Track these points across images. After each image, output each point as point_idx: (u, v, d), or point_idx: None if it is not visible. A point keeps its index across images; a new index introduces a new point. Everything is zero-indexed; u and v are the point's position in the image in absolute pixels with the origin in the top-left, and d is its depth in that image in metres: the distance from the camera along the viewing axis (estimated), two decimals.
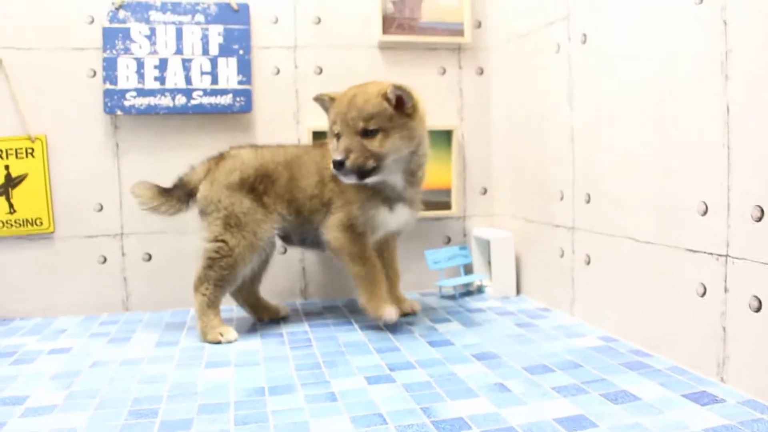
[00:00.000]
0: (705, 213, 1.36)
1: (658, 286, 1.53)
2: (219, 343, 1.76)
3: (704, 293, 1.38)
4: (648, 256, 1.55)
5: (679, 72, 1.43)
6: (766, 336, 1.23)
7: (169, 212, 1.89)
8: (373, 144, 1.71)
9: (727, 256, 1.31)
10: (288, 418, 1.24)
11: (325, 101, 1.85)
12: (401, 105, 1.72)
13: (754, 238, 1.25)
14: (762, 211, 1.22)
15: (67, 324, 2.00)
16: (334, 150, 1.73)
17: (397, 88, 1.69)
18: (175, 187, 1.90)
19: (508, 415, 1.22)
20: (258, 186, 1.84)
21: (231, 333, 1.78)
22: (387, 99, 1.71)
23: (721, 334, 1.34)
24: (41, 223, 2.08)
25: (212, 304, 1.80)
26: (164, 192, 1.90)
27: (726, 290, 1.32)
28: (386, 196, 1.82)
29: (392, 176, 1.79)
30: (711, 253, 1.35)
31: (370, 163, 1.71)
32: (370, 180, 1.74)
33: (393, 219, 1.85)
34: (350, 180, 1.72)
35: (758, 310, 1.24)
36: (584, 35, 1.77)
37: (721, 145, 1.31)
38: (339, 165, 1.68)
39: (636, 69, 1.57)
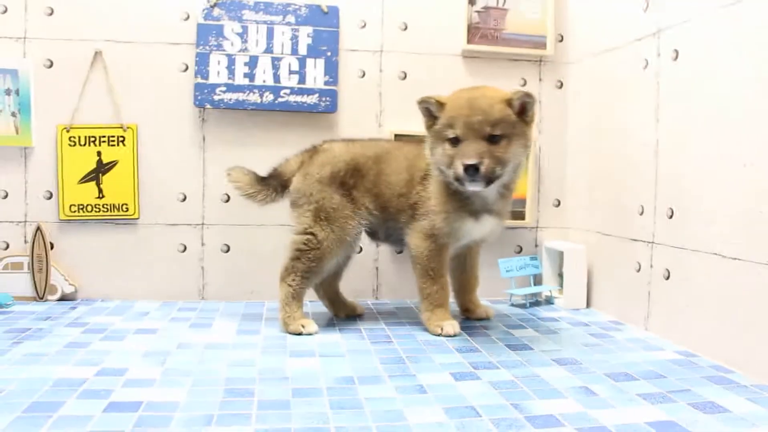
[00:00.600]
0: None
1: (742, 303, 1.53)
2: (300, 334, 1.80)
3: None
4: (734, 272, 1.56)
5: None
6: None
7: (265, 201, 1.95)
8: (500, 150, 1.67)
9: None
10: (381, 405, 1.27)
11: (431, 104, 1.75)
12: (523, 112, 1.70)
13: None
14: None
15: (147, 307, 2.07)
16: (459, 154, 1.66)
17: (526, 94, 1.68)
18: (270, 176, 1.96)
19: (599, 416, 1.24)
20: (348, 180, 1.88)
21: (312, 325, 1.82)
22: (511, 105, 1.69)
23: None
24: (127, 209, 2.15)
25: (297, 296, 1.85)
26: (261, 180, 1.95)
27: None
28: (474, 208, 1.79)
29: (491, 187, 1.73)
30: None
31: (498, 170, 1.67)
32: (492, 187, 1.72)
33: (478, 229, 1.83)
34: (477, 187, 1.68)
35: None
36: (675, 51, 1.79)
37: None
38: (473, 170, 1.63)
39: (729, 85, 1.58)
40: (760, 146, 1.48)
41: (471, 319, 2.00)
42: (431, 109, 1.75)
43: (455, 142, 1.69)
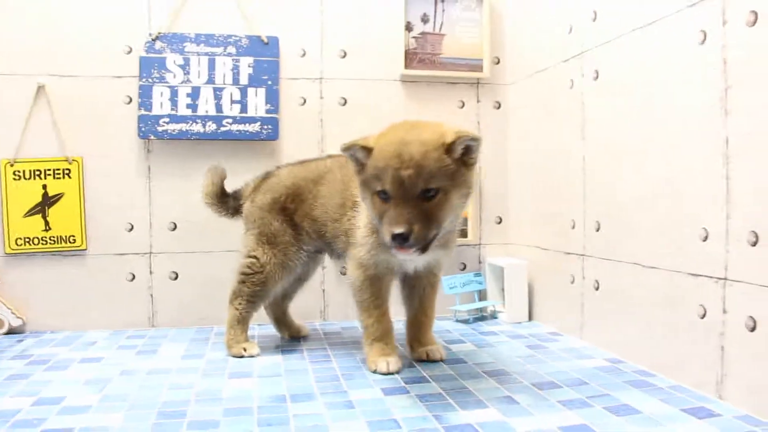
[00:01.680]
0: (706, 239, 1.44)
1: (662, 310, 1.60)
2: (242, 357, 1.84)
3: (704, 315, 1.45)
4: (653, 280, 1.63)
5: (682, 107, 1.51)
6: (760, 354, 1.30)
7: (220, 214, 2.02)
8: (434, 208, 1.41)
9: (725, 279, 1.39)
10: (308, 421, 1.31)
11: (356, 151, 1.50)
12: (465, 155, 1.45)
13: (749, 262, 1.32)
14: (757, 236, 1.30)
15: (96, 337, 2.10)
16: (387, 218, 1.41)
17: (471, 138, 1.42)
18: (231, 196, 2.01)
19: (516, 423, 1.29)
20: (289, 205, 1.89)
21: (254, 348, 1.86)
22: (451, 151, 1.42)
23: (719, 354, 1.41)
24: (74, 241, 2.18)
25: (242, 320, 1.89)
26: (222, 196, 2.01)
27: (724, 311, 1.39)
28: None
29: None
30: (711, 277, 1.43)
31: (434, 232, 1.42)
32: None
33: (410, 261, 1.67)
34: (407, 256, 1.45)
35: (753, 329, 1.31)
36: (596, 71, 1.87)
37: (721, 175, 1.39)
38: (402, 239, 1.36)
39: (644, 103, 1.66)
40: (671, 162, 1.56)
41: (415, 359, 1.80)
42: (359, 156, 1.51)
43: (384, 196, 1.44)
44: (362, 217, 1.69)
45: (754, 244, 1.31)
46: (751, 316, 1.32)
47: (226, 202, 2.01)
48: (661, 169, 1.59)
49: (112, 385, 1.58)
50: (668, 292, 1.57)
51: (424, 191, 1.39)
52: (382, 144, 1.45)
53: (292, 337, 2.07)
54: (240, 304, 1.89)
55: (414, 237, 1.37)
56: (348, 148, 1.50)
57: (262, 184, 1.96)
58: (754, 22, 1.30)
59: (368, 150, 1.47)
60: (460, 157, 1.43)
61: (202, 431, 1.27)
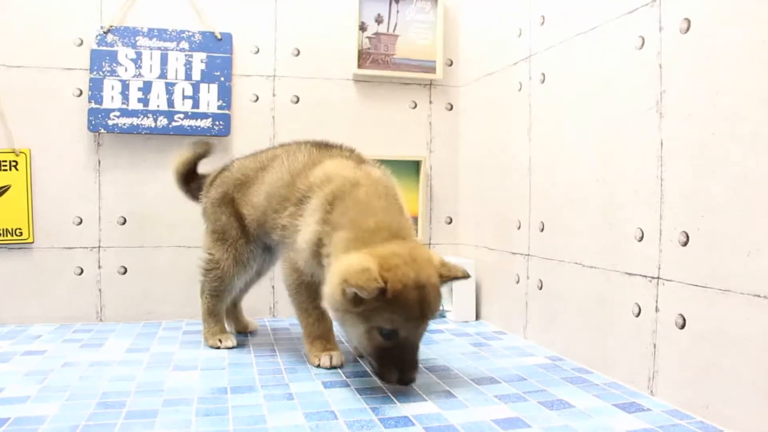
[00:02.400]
0: (641, 239, 1.48)
1: (599, 308, 1.64)
2: (218, 347, 1.86)
3: (639, 313, 1.49)
4: (592, 280, 1.67)
5: (621, 109, 1.56)
6: (688, 351, 1.34)
7: (185, 197, 2.05)
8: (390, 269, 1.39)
9: (658, 278, 1.43)
10: (246, 412, 1.33)
11: (369, 292, 1.33)
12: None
13: (680, 261, 1.37)
14: (687, 236, 1.34)
15: (41, 331, 2.08)
16: (397, 358, 1.40)
17: (460, 277, 1.51)
18: (195, 183, 2.02)
19: (450, 416, 1.31)
20: (236, 196, 1.87)
21: (230, 340, 1.88)
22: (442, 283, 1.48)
23: (651, 351, 1.45)
24: (21, 234, 2.16)
25: (213, 312, 1.90)
26: (189, 177, 2.02)
27: (657, 310, 1.43)
28: None
29: None
30: (645, 276, 1.47)
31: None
32: None
33: None
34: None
35: (682, 327, 1.35)
36: (543, 74, 1.91)
37: (656, 177, 1.43)
38: (410, 382, 1.43)
39: (586, 106, 1.70)
40: (609, 163, 1.60)
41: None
42: (374, 295, 1.33)
43: (390, 335, 1.40)
44: (308, 220, 1.60)
45: (685, 244, 1.35)
46: (680, 314, 1.36)
47: (190, 185, 2.02)
48: (601, 170, 1.63)
49: (53, 376, 1.57)
50: (606, 291, 1.61)
51: None
52: (399, 284, 1.36)
53: (239, 332, 2.08)
54: (207, 297, 1.90)
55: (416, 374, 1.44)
56: (359, 289, 1.33)
57: (216, 179, 1.95)
58: (687, 29, 1.35)
59: (382, 291, 1.34)
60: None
61: (139, 420, 1.27)
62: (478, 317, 2.32)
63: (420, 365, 1.44)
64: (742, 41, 1.23)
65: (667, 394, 1.40)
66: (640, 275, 1.49)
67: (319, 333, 1.71)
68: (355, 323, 1.42)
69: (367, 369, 1.65)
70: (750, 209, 1.20)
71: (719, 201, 1.27)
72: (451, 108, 2.48)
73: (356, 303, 1.37)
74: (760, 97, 1.18)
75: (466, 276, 1.50)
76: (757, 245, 1.18)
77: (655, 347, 1.44)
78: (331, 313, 1.50)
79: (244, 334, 2.07)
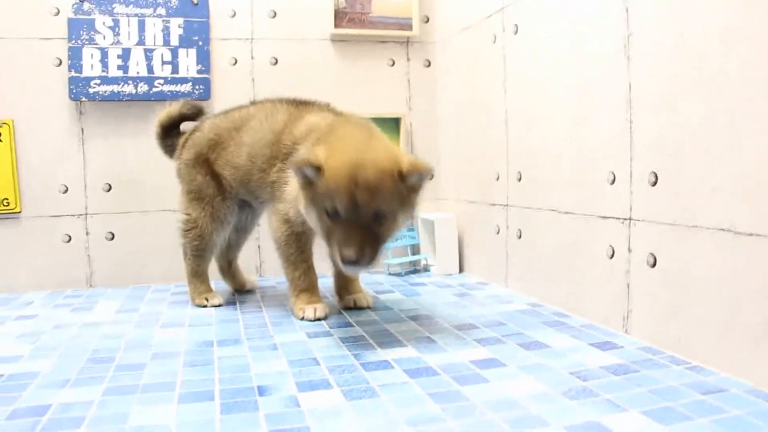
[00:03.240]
0: (613, 182, 1.52)
1: (575, 253, 1.68)
2: (205, 306, 1.91)
3: (612, 255, 1.53)
4: (568, 225, 1.71)
5: (591, 55, 1.59)
6: (659, 289, 1.39)
7: (161, 151, 2.08)
8: (383, 231, 1.45)
9: (630, 219, 1.47)
10: (231, 362, 1.37)
11: (306, 170, 1.46)
12: (417, 183, 1.49)
13: (650, 201, 1.41)
14: (656, 176, 1.38)
15: (33, 297, 2.12)
16: (339, 237, 1.41)
17: (425, 170, 1.46)
18: (172, 140, 2.05)
19: (429, 359, 1.36)
20: (210, 156, 1.90)
21: (216, 298, 1.93)
22: (405, 179, 1.45)
23: (625, 291, 1.49)
24: (8, 204, 2.19)
25: (196, 273, 1.95)
26: (169, 132, 2.05)
27: (630, 250, 1.48)
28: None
29: None
30: (618, 218, 1.51)
31: (380, 252, 1.46)
32: None
33: None
34: (356, 272, 1.64)
35: (654, 265, 1.40)
36: (515, 26, 1.93)
37: (625, 120, 1.47)
38: (353, 262, 1.40)
39: (557, 55, 1.73)
40: (581, 110, 1.63)
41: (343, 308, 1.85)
42: (310, 176, 1.46)
43: (335, 215, 1.43)
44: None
45: (654, 184, 1.39)
46: (651, 253, 1.41)
47: (166, 139, 2.05)
48: (573, 117, 1.67)
49: (45, 337, 1.62)
50: (581, 235, 1.66)
51: (376, 215, 1.42)
52: (336, 165, 1.42)
53: (236, 290, 2.13)
54: (189, 259, 1.95)
55: (367, 260, 1.41)
56: (299, 168, 1.46)
57: (188, 140, 1.98)
58: None
59: (320, 170, 1.44)
60: (412, 184, 1.48)
61: (128, 372, 1.32)
62: (461, 270, 2.37)
63: (367, 255, 1.40)
64: None
65: (641, 331, 1.45)
66: (613, 217, 1.53)
67: (305, 286, 1.75)
68: (311, 208, 1.49)
69: (350, 321, 1.70)
70: (713, 146, 1.24)
71: (685, 140, 1.30)
72: (429, 64, 2.51)
73: (307, 186, 1.47)
74: (722, 38, 1.21)
75: (430, 172, 1.47)
76: (721, 180, 1.22)
77: (628, 287, 1.49)
78: (301, 209, 1.55)
79: (242, 292, 2.12)
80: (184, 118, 2.05)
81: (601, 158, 1.56)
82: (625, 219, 1.49)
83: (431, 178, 1.51)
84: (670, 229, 1.35)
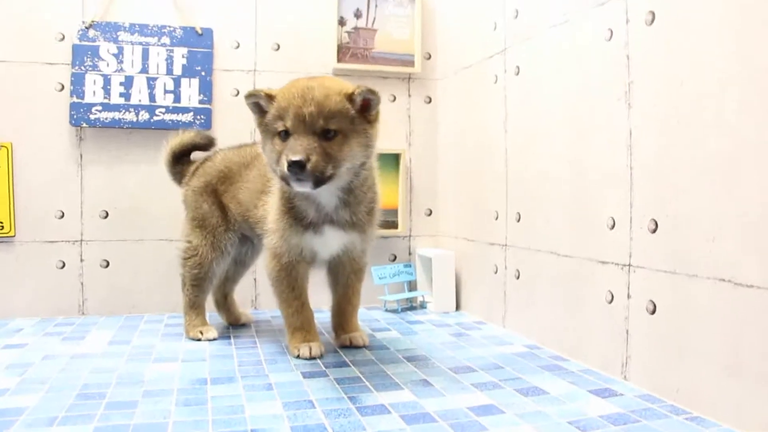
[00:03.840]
0: (613, 227, 1.51)
1: (574, 296, 1.67)
2: (199, 340, 1.89)
3: (612, 300, 1.52)
4: (567, 268, 1.70)
5: (592, 100, 1.58)
6: (659, 336, 1.37)
7: (169, 177, 2.07)
8: (332, 147, 1.49)
9: (629, 265, 1.46)
10: (225, 402, 1.35)
11: (260, 98, 1.57)
12: (365, 109, 1.54)
13: (650, 248, 1.40)
14: (656, 224, 1.37)
15: (22, 324, 2.09)
16: (286, 150, 1.48)
17: (368, 91, 1.52)
18: (181, 168, 2.05)
19: (427, 403, 1.34)
20: (219, 187, 1.93)
21: (211, 332, 1.91)
22: (351, 100, 1.52)
23: (624, 337, 1.48)
24: (2, 227, 2.17)
25: (194, 305, 1.94)
26: (177, 161, 2.05)
27: (629, 296, 1.46)
28: (310, 220, 1.66)
29: (323, 192, 1.60)
30: (617, 264, 1.50)
31: (329, 170, 1.49)
32: (323, 189, 1.54)
33: (321, 243, 1.69)
34: (304, 187, 1.50)
35: (653, 312, 1.39)
36: (517, 67, 1.93)
37: (625, 166, 1.46)
38: (298, 168, 1.44)
39: (559, 97, 1.73)
40: (582, 154, 1.63)
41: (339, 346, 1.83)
42: (261, 104, 1.58)
43: (285, 136, 1.51)
44: (273, 200, 1.72)
45: (654, 231, 1.38)
46: (651, 300, 1.39)
47: (176, 166, 2.05)
48: (573, 160, 1.66)
49: (33, 368, 1.59)
50: (581, 279, 1.64)
51: (324, 130, 1.49)
52: (285, 89, 1.56)
53: (231, 324, 2.11)
54: (188, 289, 1.93)
55: (311, 166, 1.45)
56: (251, 95, 1.58)
57: (198, 168, 1.99)
58: (652, 21, 1.38)
59: (271, 97, 1.56)
60: (361, 109, 1.54)
61: (119, 411, 1.29)
62: (458, 308, 2.35)
63: (314, 162, 1.46)
64: (703, 32, 1.25)
65: (640, 378, 1.44)
66: (613, 263, 1.52)
67: (300, 324, 1.73)
68: (265, 140, 1.58)
69: (346, 360, 1.67)
70: (713, 195, 1.23)
71: (684, 187, 1.30)
72: (430, 101, 2.51)
73: (260, 118, 1.59)
74: (721, 86, 1.21)
75: (376, 94, 1.54)
76: (721, 229, 1.21)
77: (627, 333, 1.47)
78: (261, 149, 1.65)
79: (236, 326, 2.10)
80: (195, 147, 2.06)
81: (601, 203, 1.56)
82: (624, 265, 1.48)
83: (378, 102, 1.56)
84: (670, 277, 1.34)
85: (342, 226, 1.68)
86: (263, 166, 1.80)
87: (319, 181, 1.48)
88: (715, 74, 1.23)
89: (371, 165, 1.68)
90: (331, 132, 1.49)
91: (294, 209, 1.66)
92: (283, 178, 1.52)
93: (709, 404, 1.25)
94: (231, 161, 1.95)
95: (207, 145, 2.06)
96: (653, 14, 1.37)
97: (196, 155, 2.08)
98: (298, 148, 1.46)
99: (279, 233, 1.68)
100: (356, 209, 1.68)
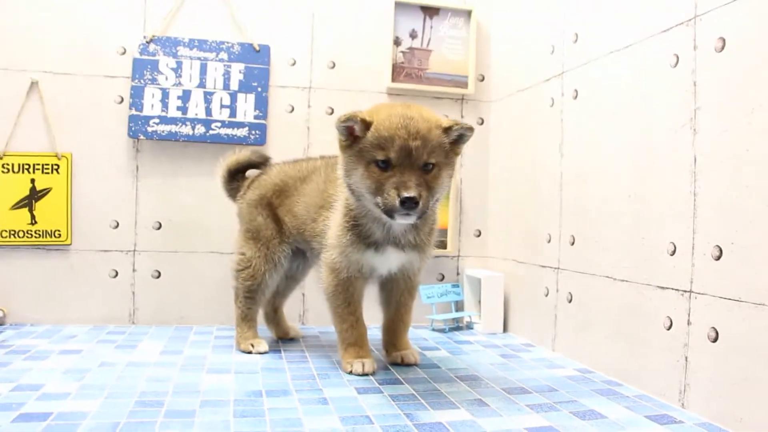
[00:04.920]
0: (674, 253, 1.50)
1: (630, 321, 1.65)
2: (250, 353, 1.90)
3: (670, 326, 1.50)
4: (623, 293, 1.68)
5: (655, 126, 1.57)
6: (721, 364, 1.35)
7: (225, 193, 2.10)
8: (432, 180, 1.53)
9: (690, 291, 1.44)
10: (282, 415, 1.35)
11: (356, 122, 1.54)
12: (457, 142, 1.59)
13: (713, 275, 1.38)
14: (720, 250, 1.36)
15: (76, 331, 2.12)
16: (395, 183, 1.49)
17: (468, 128, 1.57)
18: (238, 183, 2.08)
19: (484, 423, 1.33)
20: (274, 201, 1.95)
21: (262, 345, 1.92)
22: (448, 133, 1.56)
23: (683, 364, 1.46)
24: (59, 236, 2.21)
25: (246, 317, 1.95)
26: (233, 176, 2.08)
27: (689, 323, 1.44)
28: (374, 240, 1.67)
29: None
30: (677, 290, 1.48)
31: (431, 203, 1.54)
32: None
33: (381, 261, 1.70)
34: (410, 220, 1.53)
35: (715, 340, 1.37)
36: (575, 91, 1.93)
37: (689, 192, 1.45)
38: (413, 204, 1.47)
39: (619, 122, 1.72)
40: (642, 179, 1.62)
41: (390, 363, 1.83)
42: (355, 128, 1.56)
43: (384, 166, 1.52)
44: (336, 217, 1.72)
45: (718, 258, 1.36)
46: (713, 327, 1.38)
47: (232, 183, 2.08)
48: (633, 185, 1.65)
49: (91, 375, 1.61)
50: (637, 304, 1.63)
51: (426, 163, 1.51)
52: (384, 117, 1.54)
53: (279, 338, 2.12)
54: (240, 302, 1.95)
55: (422, 203, 1.48)
56: (348, 119, 1.55)
57: (254, 182, 2.02)
58: (722, 48, 1.37)
59: (368, 124, 1.54)
60: (453, 141, 1.57)
61: (178, 420, 1.30)
62: (506, 329, 2.33)
63: (423, 198, 1.49)
64: None
65: (699, 407, 1.41)
66: (672, 288, 1.50)
67: (353, 339, 1.73)
68: (355, 165, 1.56)
69: (399, 377, 1.67)
70: None
71: (754, 215, 1.28)
72: (482, 123, 2.51)
73: (349, 142, 1.57)
74: None
75: (470, 128, 1.58)
76: None
77: (686, 360, 1.45)
78: (340, 169, 1.63)
79: (285, 339, 2.11)
80: (251, 165, 2.08)
81: (661, 229, 1.54)
82: (685, 291, 1.46)
83: (470, 137, 1.60)
84: (735, 305, 1.32)
85: (406, 248, 1.70)
86: (321, 181, 1.84)
87: (423, 214, 1.53)
88: None
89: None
90: (431, 165, 1.53)
91: (359, 227, 1.67)
92: (389, 211, 1.51)
93: None
94: (287, 174, 1.97)
95: (262, 163, 2.08)
96: (724, 41, 1.37)
97: (251, 173, 2.10)
98: (410, 185, 1.47)
99: (339, 249, 1.69)
100: (420, 231, 1.71)
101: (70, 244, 2.23)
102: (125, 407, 1.37)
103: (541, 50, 2.13)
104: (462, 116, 2.49)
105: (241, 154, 2.07)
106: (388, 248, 1.69)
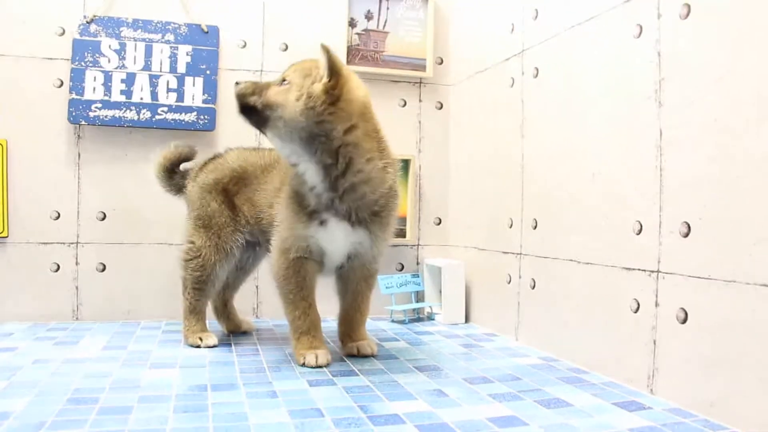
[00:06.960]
0: (640, 232, 1.43)
1: (596, 306, 1.58)
2: (198, 346, 1.79)
3: (637, 309, 1.43)
4: (588, 277, 1.61)
5: (619, 100, 1.51)
6: (690, 346, 1.29)
7: (164, 190, 1.98)
8: (273, 89, 1.58)
9: (658, 272, 1.37)
10: (227, 409, 1.26)
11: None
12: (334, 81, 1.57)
13: (681, 253, 1.31)
14: (689, 227, 1.29)
15: (13, 329, 1.99)
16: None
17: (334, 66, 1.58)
18: (180, 174, 1.97)
19: (444, 414, 1.25)
20: (231, 187, 1.85)
21: (211, 338, 1.82)
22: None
23: (651, 348, 1.39)
24: None
25: (194, 309, 1.84)
26: (171, 172, 1.96)
27: (657, 305, 1.38)
28: (313, 208, 1.59)
29: (305, 164, 1.56)
30: (644, 270, 1.41)
31: (254, 99, 1.59)
32: (255, 124, 1.62)
33: (330, 240, 1.61)
34: (239, 109, 1.62)
35: (684, 321, 1.30)
36: (536, 69, 1.86)
37: (654, 167, 1.38)
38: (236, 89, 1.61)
39: (581, 99, 1.65)
40: (606, 156, 1.55)
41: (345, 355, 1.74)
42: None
43: None
44: (282, 197, 1.68)
45: (686, 235, 1.30)
46: (682, 308, 1.31)
47: (173, 178, 1.97)
48: (597, 164, 1.58)
49: (22, 372, 1.50)
50: (603, 287, 1.56)
51: (283, 79, 1.60)
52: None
53: (231, 332, 2.01)
54: (189, 293, 1.85)
55: (238, 88, 1.62)
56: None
57: (207, 165, 1.92)
58: (687, 15, 1.30)
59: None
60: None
61: (112, 416, 1.20)
62: (468, 320, 2.26)
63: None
64: (743, 25, 1.18)
65: (669, 392, 1.35)
66: (639, 269, 1.43)
67: (306, 328, 1.64)
68: None
69: (354, 369, 1.58)
70: (755, 196, 1.15)
71: (722, 189, 1.22)
72: (441, 107, 2.43)
73: None
74: (762, 81, 1.14)
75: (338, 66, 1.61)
76: (764, 232, 1.13)
77: (654, 344, 1.38)
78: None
79: (237, 334, 2.00)
80: (183, 159, 1.99)
81: (627, 207, 1.48)
82: (652, 271, 1.40)
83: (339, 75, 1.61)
84: (705, 284, 1.26)
85: (347, 219, 1.60)
86: (284, 173, 1.75)
87: (244, 107, 1.64)
88: (756, 70, 1.15)
89: (362, 146, 1.62)
90: (283, 81, 1.62)
91: (298, 196, 1.63)
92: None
93: (748, 419, 1.16)
94: (247, 161, 1.88)
95: (189, 155, 1.99)
96: (689, 7, 1.30)
97: (185, 166, 2.00)
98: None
99: (286, 223, 1.64)
100: (355, 200, 1.60)
101: (7, 237, 2.10)
102: (55, 405, 1.26)
103: (500, 29, 2.06)
104: (420, 100, 2.41)
105: (168, 150, 1.96)
106: (331, 221, 1.59)
